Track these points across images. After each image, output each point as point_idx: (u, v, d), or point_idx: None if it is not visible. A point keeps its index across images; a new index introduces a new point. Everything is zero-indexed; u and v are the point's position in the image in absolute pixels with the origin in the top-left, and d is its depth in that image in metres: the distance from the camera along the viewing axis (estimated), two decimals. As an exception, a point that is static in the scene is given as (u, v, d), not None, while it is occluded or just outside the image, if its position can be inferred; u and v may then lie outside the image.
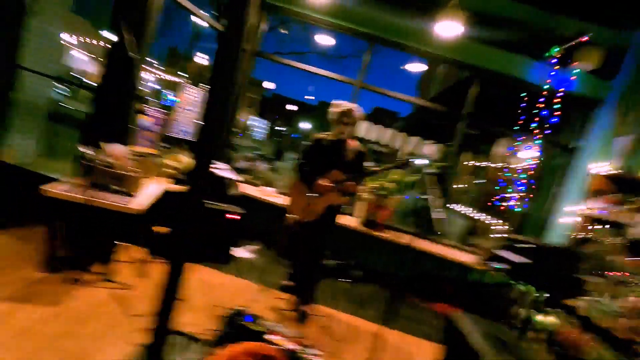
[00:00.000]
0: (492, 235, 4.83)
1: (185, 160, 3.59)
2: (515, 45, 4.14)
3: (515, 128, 4.32)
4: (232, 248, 3.38)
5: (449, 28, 3.66)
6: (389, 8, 4.16)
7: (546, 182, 4.42)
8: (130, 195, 2.45)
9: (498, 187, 4.62)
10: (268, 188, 4.21)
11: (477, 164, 6.27)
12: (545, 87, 4.06)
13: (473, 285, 4.18)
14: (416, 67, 5.58)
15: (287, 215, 3.54)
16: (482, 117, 4.40)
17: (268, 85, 27.33)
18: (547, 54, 4.12)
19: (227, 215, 3.25)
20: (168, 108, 3.86)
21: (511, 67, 4.22)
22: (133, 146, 3.28)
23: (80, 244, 2.38)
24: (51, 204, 2.17)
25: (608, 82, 4.10)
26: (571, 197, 4.11)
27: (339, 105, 2.92)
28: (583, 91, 4.13)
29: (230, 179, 3.74)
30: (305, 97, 41.03)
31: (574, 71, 4.01)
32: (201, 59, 12.82)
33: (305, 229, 2.96)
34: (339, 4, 4.06)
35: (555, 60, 3.99)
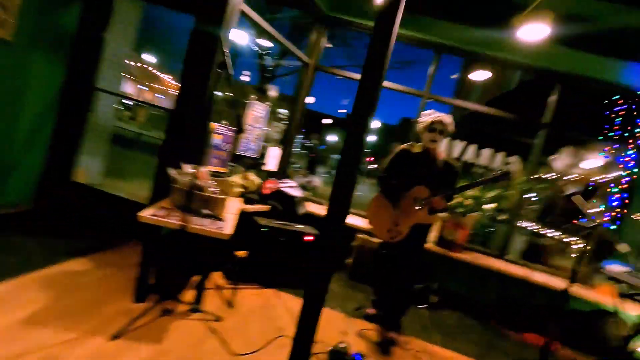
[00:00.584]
0: (573, 256, 4.38)
1: (254, 178, 3.46)
2: (604, 46, 3.78)
3: (601, 137, 3.94)
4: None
5: (532, 32, 3.38)
6: (459, 15, 3.94)
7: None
8: (220, 219, 2.31)
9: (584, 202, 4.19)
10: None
11: (546, 175, 5.82)
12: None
13: (568, 313, 3.75)
14: (479, 75, 5.29)
15: (361, 235, 3.31)
16: (564, 125, 4.03)
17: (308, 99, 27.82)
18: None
19: (305, 238, 3.06)
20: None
21: (600, 70, 3.85)
22: (208, 166, 3.19)
23: (170, 271, 2.26)
24: (143, 229, 2.06)
25: None
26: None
27: (429, 114, 2.69)
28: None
29: (300, 198, 3.58)
30: (338, 110, 41.02)
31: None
32: (244, 76, 12.97)
33: (391, 252, 2.73)
34: (409, 14, 3.88)
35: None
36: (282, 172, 4.39)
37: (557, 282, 3.70)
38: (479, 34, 3.93)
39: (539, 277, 3.73)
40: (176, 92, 3.18)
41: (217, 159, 3.34)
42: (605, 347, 3.51)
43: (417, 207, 2.57)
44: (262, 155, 3.98)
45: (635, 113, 3.69)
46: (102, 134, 3.95)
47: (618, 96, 3.84)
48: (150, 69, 19.14)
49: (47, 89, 3.00)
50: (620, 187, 3.77)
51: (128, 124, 12.50)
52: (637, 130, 3.70)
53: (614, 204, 3.79)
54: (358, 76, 4.31)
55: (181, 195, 2.30)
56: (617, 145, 3.94)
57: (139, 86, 20.35)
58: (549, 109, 4.00)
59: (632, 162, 3.73)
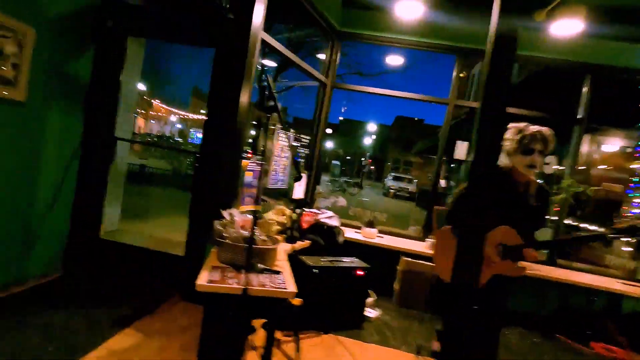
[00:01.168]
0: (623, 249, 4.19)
1: (289, 213, 3.26)
2: (633, 35, 3.63)
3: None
4: (365, 308, 2.96)
5: (563, 26, 3.24)
6: (479, 16, 3.79)
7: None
8: (277, 272, 2.10)
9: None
10: (369, 229, 3.81)
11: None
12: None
13: (633, 317, 3.55)
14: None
15: (406, 259, 2.77)
16: (598, 118, 3.87)
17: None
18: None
19: (358, 272, 2.85)
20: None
21: (630, 58, 3.71)
22: (242, 206, 2.99)
23: (230, 334, 2.04)
24: (201, 296, 1.85)
25: None
26: None
27: (522, 128, 1.94)
28: None
29: (339, 227, 3.39)
30: (339, 117, 40.72)
31: None
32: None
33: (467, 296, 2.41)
34: (426, 21, 3.72)
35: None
36: (309, 199, 4.20)
37: (611, 283, 3.49)
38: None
39: (591, 279, 3.52)
40: (164, 115, 2.98)
41: (249, 198, 3.14)
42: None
43: (501, 257, 1.89)
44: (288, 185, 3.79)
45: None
46: (119, 177, 3.75)
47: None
48: (144, 96, 19.00)
49: (66, 144, 2.80)
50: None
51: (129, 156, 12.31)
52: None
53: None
54: (376, 90, 4.15)
55: (233, 251, 2.10)
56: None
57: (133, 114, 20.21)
58: (582, 103, 3.85)
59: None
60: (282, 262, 2.35)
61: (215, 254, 2.24)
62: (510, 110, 3.81)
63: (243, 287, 1.81)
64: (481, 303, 1.95)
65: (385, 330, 2.89)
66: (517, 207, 1.93)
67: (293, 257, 2.75)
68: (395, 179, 23.68)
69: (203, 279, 1.84)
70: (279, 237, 2.58)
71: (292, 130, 3.59)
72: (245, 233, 2.17)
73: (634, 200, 4.00)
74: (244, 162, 3.00)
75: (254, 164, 3.13)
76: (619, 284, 3.54)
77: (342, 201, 4.77)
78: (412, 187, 22.12)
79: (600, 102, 3.80)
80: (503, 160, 2.02)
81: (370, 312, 3.04)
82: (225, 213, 2.47)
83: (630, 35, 3.54)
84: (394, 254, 3.65)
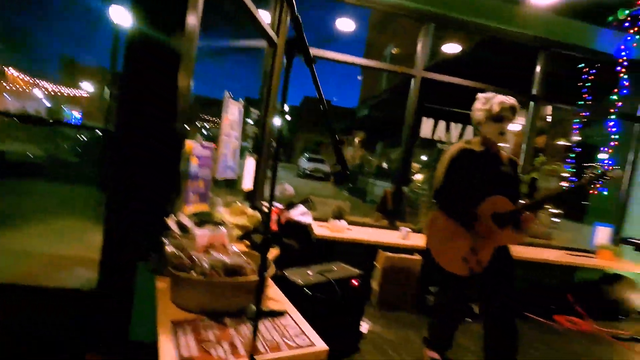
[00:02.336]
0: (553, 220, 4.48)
1: (252, 212, 2.44)
2: (581, 12, 3.69)
3: (581, 103, 3.94)
4: (360, 324, 2.37)
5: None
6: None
7: (621, 157, 4.13)
8: (282, 314, 1.36)
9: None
10: (337, 222, 3.22)
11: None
12: (623, 55, 3.70)
13: (587, 286, 3.73)
14: (452, 47, 4.95)
15: (387, 254, 2.34)
16: (552, 94, 3.91)
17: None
18: (611, 19, 3.75)
19: (352, 282, 2.24)
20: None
21: (580, 37, 3.78)
22: (186, 206, 2.07)
23: None
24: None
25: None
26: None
27: (490, 97, 1.99)
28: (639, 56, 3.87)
29: (311, 225, 2.70)
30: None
31: (632, 36, 3.71)
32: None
33: (472, 286, 2.09)
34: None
35: (628, 23, 3.63)
36: (258, 189, 3.38)
37: (562, 256, 3.62)
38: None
39: (547, 254, 3.59)
40: (27, 90, 1.90)
41: (195, 194, 2.22)
42: (620, 311, 3.60)
43: (501, 226, 1.91)
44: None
45: (621, 75, 3.72)
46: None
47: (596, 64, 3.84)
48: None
49: None
50: (608, 152, 3.83)
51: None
52: (613, 97, 3.77)
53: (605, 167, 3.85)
54: (339, 56, 3.48)
55: (208, 290, 1.27)
56: (588, 113, 3.99)
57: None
58: (538, 80, 3.83)
59: (615, 127, 3.81)
60: (273, 291, 1.60)
61: (165, 292, 1.38)
62: (454, 80, 3.58)
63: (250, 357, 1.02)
64: (491, 274, 1.92)
65: (386, 347, 2.38)
66: (495, 176, 1.97)
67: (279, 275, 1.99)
68: (310, 160, 23.57)
69: (169, 358, 1.00)
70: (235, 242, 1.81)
71: (241, 101, 2.70)
72: (226, 259, 1.35)
73: (570, 176, 4.24)
74: (188, 144, 2.06)
75: (200, 147, 2.21)
76: (569, 255, 3.69)
77: (289, 189, 4.04)
78: (326, 168, 22.32)
79: (552, 79, 3.83)
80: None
81: (362, 327, 2.48)
82: (171, 222, 1.59)
83: (585, 14, 3.59)
84: (368, 249, 3.15)
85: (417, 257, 3.10)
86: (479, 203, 1.93)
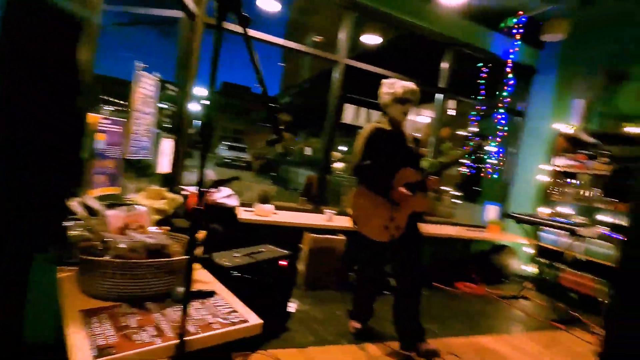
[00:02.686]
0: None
1: (171, 195, 2.26)
2: (481, 16, 4.18)
3: (480, 98, 4.49)
4: (288, 304, 2.38)
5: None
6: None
7: (506, 146, 4.82)
8: (212, 294, 1.29)
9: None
10: (263, 205, 3.16)
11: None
12: (510, 57, 4.30)
13: (480, 256, 4.32)
14: (371, 38, 5.11)
15: (313, 235, 2.48)
16: (457, 88, 4.38)
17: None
18: (502, 25, 4.33)
19: (281, 263, 2.23)
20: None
21: (479, 39, 4.29)
22: (92, 190, 1.83)
23: None
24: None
25: (538, 51, 4.66)
26: (529, 158, 4.61)
27: (393, 83, 2.25)
28: (523, 59, 4.56)
29: (237, 207, 2.62)
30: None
31: (517, 42, 4.35)
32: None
33: (390, 250, 2.30)
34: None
35: (515, 30, 4.23)
36: (177, 173, 3.15)
37: (462, 231, 4.15)
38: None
39: (451, 230, 4.09)
40: None
41: (103, 175, 1.97)
42: (504, 275, 4.27)
43: (412, 193, 2.17)
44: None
45: (508, 75, 4.31)
46: None
47: (488, 64, 4.40)
48: None
49: None
50: (497, 141, 4.45)
51: None
52: (504, 93, 4.38)
53: (495, 156, 4.48)
54: (264, 36, 3.38)
55: (126, 271, 1.14)
56: (485, 107, 4.59)
57: None
58: (444, 75, 4.25)
59: (503, 120, 4.44)
60: (200, 273, 1.52)
61: (70, 282, 1.22)
62: (376, 70, 3.80)
63: (175, 340, 0.96)
64: (405, 240, 2.12)
65: (315, 325, 2.44)
66: (403, 151, 2.26)
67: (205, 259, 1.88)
68: (231, 148, 22.70)
69: (83, 351, 0.88)
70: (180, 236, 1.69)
71: (156, 75, 2.45)
72: (147, 239, 1.23)
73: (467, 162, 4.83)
74: (92, 117, 1.80)
75: (109, 123, 1.96)
76: (466, 231, 4.24)
77: (210, 174, 3.86)
78: (247, 156, 21.74)
79: (456, 75, 4.29)
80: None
81: (291, 307, 2.50)
82: (74, 205, 1.40)
83: (484, 19, 4.08)
84: (294, 232, 3.18)
85: (341, 237, 3.23)
86: (392, 175, 2.17)
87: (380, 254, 2.34)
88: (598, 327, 3.10)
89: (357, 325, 2.44)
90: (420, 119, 6.90)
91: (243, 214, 3.00)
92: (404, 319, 2.23)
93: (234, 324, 1.12)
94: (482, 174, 4.59)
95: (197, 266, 1.60)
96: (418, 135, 2.49)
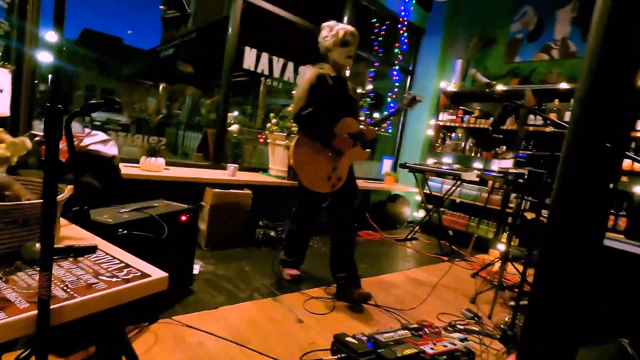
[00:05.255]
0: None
1: (16, 139, 1.66)
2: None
3: (374, 54, 4.60)
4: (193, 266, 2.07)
5: None
6: None
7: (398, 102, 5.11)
8: (94, 249, 0.96)
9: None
10: (153, 159, 2.67)
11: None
12: (404, 16, 4.45)
13: (378, 205, 4.60)
14: None
15: (216, 191, 2.40)
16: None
17: None
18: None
19: (182, 218, 1.89)
20: None
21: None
22: None
23: None
24: None
25: (428, 13, 4.97)
26: (417, 114, 5.01)
27: (333, 26, 2.19)
28: (414, 20, 4.82)
29: (117, 156, 2.12)
30: None
31: (411, 1, 4.55)
32: None
33: (330, 201, 2.27)
34: None
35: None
36: (22, 115, 2.40)
37: (361, 183, 4.37)
38: None
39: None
40: None
41: None
42: (398, 221, 4.68)
43: (353, 143, 2.18)
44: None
45: (401, 32, 4.47)
46: None
47: (385, 20, 4.48)
48: None
49: None
50: (392, 97, 4.68)
51: None
52: (396, 50, 4.57)
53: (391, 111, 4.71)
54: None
55: None
56: (378, 64, 4.74)
57: None
58: (346, 26, 4.18)
59: (397, 77, 4.67)
60: (71, 229, 1.15)
61: None
62: (280, 12, 3.55)
63: (32, 311, 0.65)
64: (343, 191, 2.22)
65: (221, 282, 2.21)
66: (345, 100, 2.19)
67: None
68: (102, 110, 19.32)
69: None
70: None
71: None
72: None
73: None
74: None
75: None
76: (367, 183, 4.46)
77: (76, 127, 3.13)
78: (124, 119, 18.88)
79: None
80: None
81: (194, 268, 2.20)
82: None
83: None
84: (191, 189, 2.81)
85: (247, 191, 2.99)
86: (334, 124, 2.12)
87: (318, 200, 2.28)
88: (469, 256, 3.66)
89: (294, 272, 2.41)
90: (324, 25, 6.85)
91: (127, 170, 2.49)
92: (340, 263, 2.24)
93: (127, 281, 0.83)
94: (381, 130, 4.82)
95: (64, 222, 1.20)
96: (356, 86, 2.44)
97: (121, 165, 2.32)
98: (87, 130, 1.98)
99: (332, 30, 2.15)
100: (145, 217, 1.64)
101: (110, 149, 2.01)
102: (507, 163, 2.65)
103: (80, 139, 1.87)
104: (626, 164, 3.16)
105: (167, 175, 2.62)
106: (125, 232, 1.49)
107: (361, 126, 2.24)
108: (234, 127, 11.41)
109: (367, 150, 2.31)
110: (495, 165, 3.74)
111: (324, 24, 2.22)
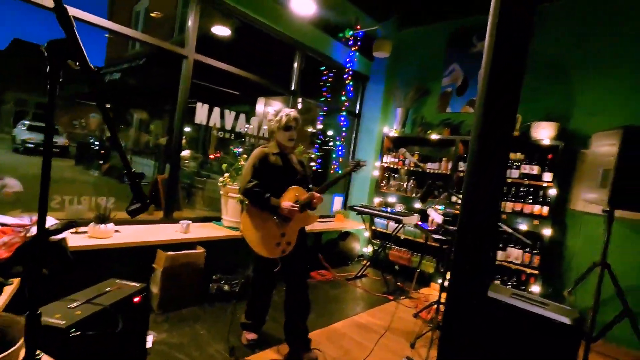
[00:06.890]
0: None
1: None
2: (326, 26, 4.51)
3: (323, 100, 4.91)
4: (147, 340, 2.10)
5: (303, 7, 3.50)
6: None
7: (346, 144, 5.44)
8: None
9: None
10: (102, 225, 2.65)
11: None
12: (348, 65, 4.81)
13: (329, 244, 4.83)
14: (221, 30, 4.67)
15: (169, 254, 2.48)
16: (305, 89, 4.63)
17: None
18: (341, 35, 4.79)
19: (135, 300, 1.94)
20: None
21: (324, 46, 4.62)
22: None
23: None
24: None
25: (371, 63, 5.40)
26: (364, 155, 5.37)
27: (278, 111, 2.47)
28: (359, 68, 5.22)
29: (64, 238, 2.12)
30: None
31: (354, 52, 4.94)
32: None
33: (281, 266, 2.44)
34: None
35: (352, 42, 4.74)
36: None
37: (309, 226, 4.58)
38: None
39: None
40: None
41: None
42: (349, 258, 4.94)
43: (301, 210, 2.39)
44: None
45: (347, 81, 4.82)
46: None
47: (327, 69, 4.82)
48: None
49: None
50: (341, 140, 4.99)
51: None
52: (343, 98, 4.91)
53: (339, 153, 5.02)
54: (80, 14, 2.73)
55: None
56: (326, 108, 5.06)
57: None
58: (296, 76, 4.44)
59: (344, 121, 5.00)
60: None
61: None
62: (229, 68, 3.70)
63: None
64: (295, 253, 2.42)
65: (175, 352, 2.26)
66: (290, 172, 2.44)
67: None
68: (32, 128, 17.80)
69: None
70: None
71: None
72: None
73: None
74: None
75: None
76: (319, 223, 4.67)
77: (12, 184, 3.04)
78: (62, 141, 17.56)
79: (305, 76, 4.55)
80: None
81: (148, 342, 2.23)
82: None
83: (328, 29, 4.40)
84: (142, 252, 2.84)
85: (200, 250, 3.05)
86: (280, 194, 2.36)
87: (272, 265, 2.43)
88: (413, 291, 3.99)
89: (252, 336, 2.53)
90: (270, 110, 7.06)
91: (74, 240, 2.46)
92: (291, 328, 2.42)
93: None
94: (331, 170, 5.10)
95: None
96: (301, 156, 2.70)
97: (67, 234, 2.30)
98: (33, 218, 1.98)
99: (277, 116, 2.41)
100: (97, 311, 1.69)
101: (59, 234, 2.02)
102: (438, 217, 2.99)
103: (28, 229, 1.86)
104: (536, 209, 3.69)
105: (117, 242, 2.62)
106: (78, 332, 1.54)
107: (309, 193, 2.44)
108: (186, 153, 11.08)
109: (315, 215, 2.54)
110: (431, 210, 4.15)
111: (270, 111, 2.52)
